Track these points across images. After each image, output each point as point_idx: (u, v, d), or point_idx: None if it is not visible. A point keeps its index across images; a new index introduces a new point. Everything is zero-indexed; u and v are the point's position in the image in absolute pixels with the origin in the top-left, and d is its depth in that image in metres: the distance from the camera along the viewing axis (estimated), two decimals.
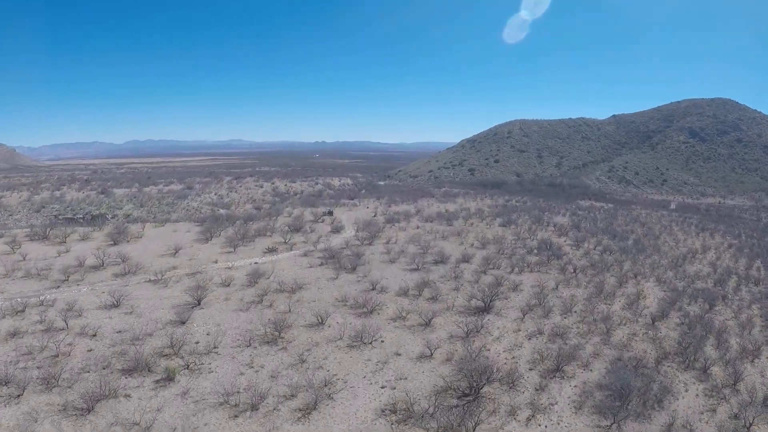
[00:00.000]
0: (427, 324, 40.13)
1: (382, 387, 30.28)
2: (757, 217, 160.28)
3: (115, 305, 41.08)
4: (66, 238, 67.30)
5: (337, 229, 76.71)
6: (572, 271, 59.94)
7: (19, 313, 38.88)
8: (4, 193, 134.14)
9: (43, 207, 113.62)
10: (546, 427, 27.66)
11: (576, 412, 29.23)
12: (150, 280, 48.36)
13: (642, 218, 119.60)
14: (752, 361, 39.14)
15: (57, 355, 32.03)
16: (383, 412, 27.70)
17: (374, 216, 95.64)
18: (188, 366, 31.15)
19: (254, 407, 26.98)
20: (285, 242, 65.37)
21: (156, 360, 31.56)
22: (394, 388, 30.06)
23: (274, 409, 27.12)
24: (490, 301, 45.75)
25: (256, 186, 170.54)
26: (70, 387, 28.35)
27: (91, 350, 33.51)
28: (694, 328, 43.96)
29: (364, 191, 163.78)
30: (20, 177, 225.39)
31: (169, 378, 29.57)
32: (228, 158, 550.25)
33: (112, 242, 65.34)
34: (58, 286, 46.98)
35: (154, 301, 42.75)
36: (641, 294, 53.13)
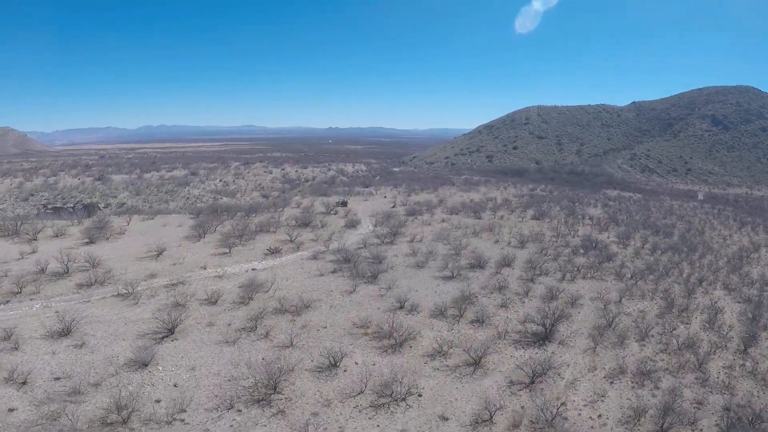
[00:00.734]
0: (477, 363, 29.47)
1: None
2: None
3: (65, 333, 30.99)
4: (37, 234, 57.55)
5: (352, 224, 66.01)
6: (630, 276, 49.93)
7: None
8: None
9: (32, 195, 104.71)
10: None
11: None
12: (119, 294, 38.24)
13: (677, 210, 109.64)
14: None
15: None
16: None
17: (393, 207, 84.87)
18: None
19: None
20: (291, 240, 54.82)
21: None
22: None
23: None
24: (552, 325, 35.02)
25: (265, 172, 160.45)
26: None
27: (12, 410, 23.50)
28: None
29: (379, 178, 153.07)
30: (22, 162, 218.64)
31: None
32: (240, 144, 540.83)
33: (89, 240, 55.45)
34: (8, 301, 37.13)
35: (116, 327, 32.59)
36: (715, 307, 43.35)
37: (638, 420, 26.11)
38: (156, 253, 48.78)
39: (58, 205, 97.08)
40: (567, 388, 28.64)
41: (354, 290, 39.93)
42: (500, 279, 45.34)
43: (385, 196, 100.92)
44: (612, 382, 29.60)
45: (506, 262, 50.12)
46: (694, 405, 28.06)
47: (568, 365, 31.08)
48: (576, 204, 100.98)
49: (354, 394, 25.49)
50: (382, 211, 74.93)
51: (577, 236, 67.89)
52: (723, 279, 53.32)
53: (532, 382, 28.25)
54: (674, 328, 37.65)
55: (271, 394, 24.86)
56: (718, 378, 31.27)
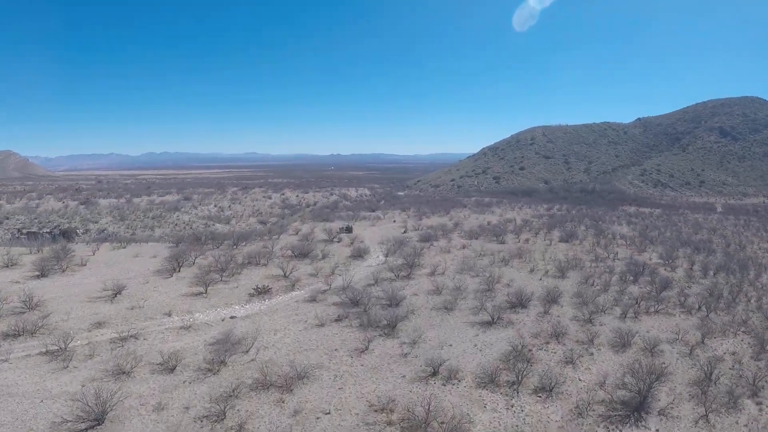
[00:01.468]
0: None
1: None
2: None
3: None
4: None
5: (359, 253, 55.66)
6: (698, 308, 40.28)
7: None
8: None
9: (7, 218, 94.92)
10: None
11: None
12: (47, 351, 27.87)
13: (705, 224, 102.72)
14: None
15: None
16: None
17: (404, 232, 74.73)
18: None
19: None
20: (285, 276, 44.40)
21: None
22: None
23: None
24: (648, 391, 24.71)
25: (263, 197, 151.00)
26: None
27: None
28: None
29: (384, 202, 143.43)
30: (15, 185, 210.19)
31: None
32: (242, 171, 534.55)
33: (40, 273, 45.23)
34: None
35: (27, 407, 22.24)
36: None
37: None
38: (113, 292, 38.45)
39: (34, 229, 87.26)
40: None
41: (367, 348, 29.32)
42: (552, 322, 35.07)
43: (394, 221, 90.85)
44: None
45: (551, 298, 40.00)
46: None
47: None
48: (599, 222, 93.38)
49: None
50: (393, 238, 64.75)
51: (617, 259, 58.93)
52: None
53: None
54: None
55: None
56: None
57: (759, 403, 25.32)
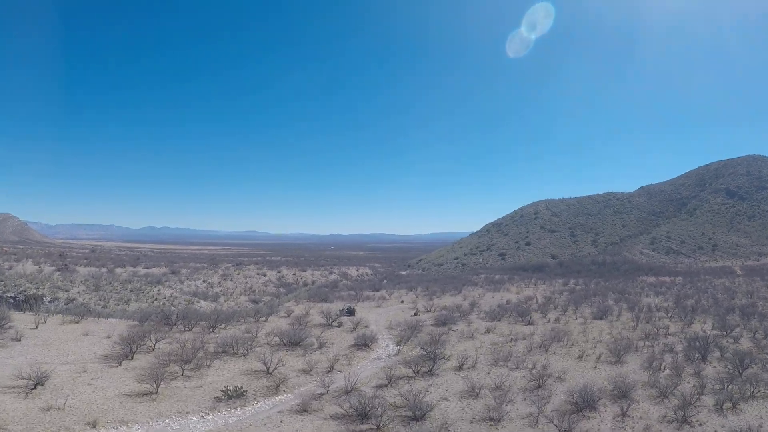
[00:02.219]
0: None
1: None
2: None
3: None
4: None
5: (364, 341, 44.98)
6: None
7: None
8: None
9: None
10: None
11: None
12: None
13: (735, 287, 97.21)
14: None
15: None
16: None
17: (415, 314, 64.47)
18: None
19: None
20: (268, 371, 33.74)
21: None
22: None
23: None
24: None
25: (258, 274, 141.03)
26: None
27: None
28: None
29: (386, 281, 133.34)
30: (3, 247, 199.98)
31: None
32: (240, 248, 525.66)
33: None
34: None
35: None
36: None
37: None
38: (33, 382, 27.93)
39: None
40: None
41: None
42: (638, 428, 24.86)
43: (401, 301, 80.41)
44: None
45: (622, 392, 30.01)
46: None
47: None
48: (625, 295, 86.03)
49: None
50: (404, 322, 54.39)
51: (669, 335, 50.77)
52: None
53: None
54: None
55: None
56: None
57: None
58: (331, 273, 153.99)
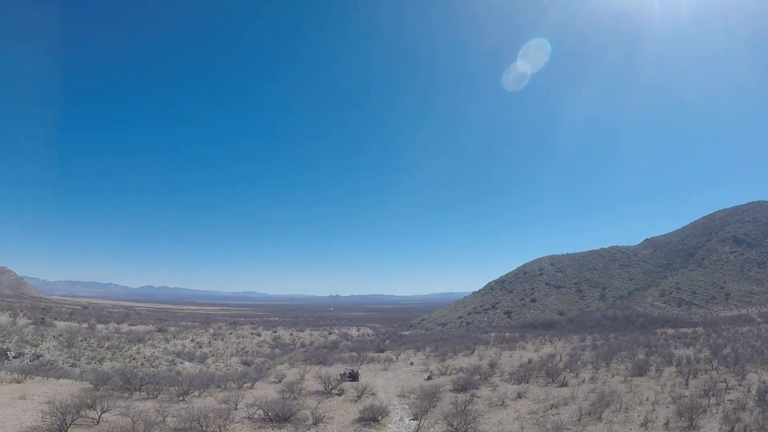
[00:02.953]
0: None
1: None
2: None
3: None
4: None
5: (372, 415, 35.85)
6: None
7: None
8: None
9: None
10: None
11: None
12: None
13: (764, 333, 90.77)
14: None
15: None
16: None
17: (429, 378, 55.04)
18: None
19: None
20: None
21: None
22: None
23: None
24: None
25: (252, 334, 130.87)
26: None
27: None
28: None
29: (389, 341, 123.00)
30: None
31: None
32: (239, 309, 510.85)
33: None
34: None
35: None
36: None
37: None
38: None
39: None
40: None
41: None
42: None
43: (411, 363, 70.59)
44: None
45: None
46: None
47: None
48: (653, 348, 76.77)
49: None
50: (418, 387, 45.18)
51: (729, 389, 42.83)
52: None
53: None
54: None
55: None
56: None
57: None
58: (330, 333, 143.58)
